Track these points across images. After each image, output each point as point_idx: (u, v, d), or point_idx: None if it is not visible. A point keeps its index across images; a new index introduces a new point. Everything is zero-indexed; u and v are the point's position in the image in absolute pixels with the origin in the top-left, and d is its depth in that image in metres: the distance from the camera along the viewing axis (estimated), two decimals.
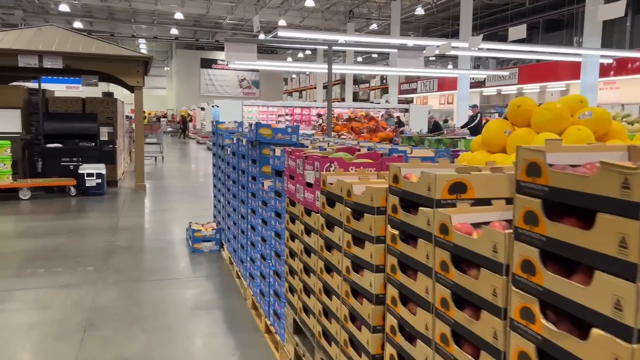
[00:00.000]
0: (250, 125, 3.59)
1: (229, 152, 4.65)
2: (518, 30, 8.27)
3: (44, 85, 10.43)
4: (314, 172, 2.21)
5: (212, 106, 22.87)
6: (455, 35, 25.88)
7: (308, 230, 2.31)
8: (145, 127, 16.45)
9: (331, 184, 2.03)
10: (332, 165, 2.16)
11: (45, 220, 6.71)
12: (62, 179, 8.60)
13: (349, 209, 1.79)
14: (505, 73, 20.68)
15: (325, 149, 3.08)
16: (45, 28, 9.58)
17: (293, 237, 2.56)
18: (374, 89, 34.59)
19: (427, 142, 4.51)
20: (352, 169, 2.17)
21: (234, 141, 4.31)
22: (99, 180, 8.64)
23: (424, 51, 4.99)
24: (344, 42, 9.61)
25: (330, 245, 2.02)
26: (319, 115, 20.76)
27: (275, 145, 3.37)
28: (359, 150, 2.66)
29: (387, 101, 24.55)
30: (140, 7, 24.74)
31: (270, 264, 3.10)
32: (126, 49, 9.47)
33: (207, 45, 36.21)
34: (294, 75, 43.53)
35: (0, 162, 7.90)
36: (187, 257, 5.09)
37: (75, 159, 8.87)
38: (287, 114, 21.55)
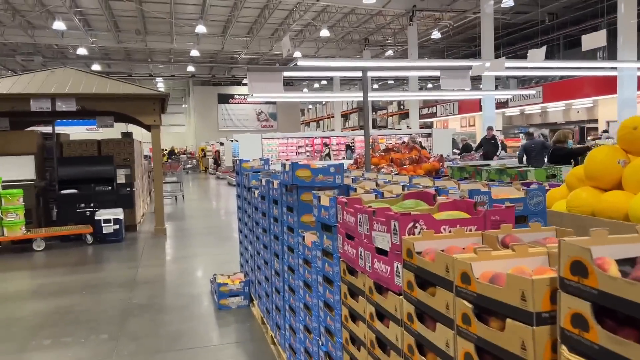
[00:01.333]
0: (284, 165, 3.00)
1: (256, 196, 4.06)
2: (593, 39, 7.51)
3: (63, 129, 10.12)
4: (389, 234, 1.58)
5: (232, 141, 22.56)
6: (473, 56, 25.37)
7: (381, 315, 1.67)
8: (165, 165, 16.11)
9: (419, 252, 1.40)
10: (418, 224, 1.53)
11: (58, 275, 6.17)
12: (78, 227, 8.12)
13: (468, 304, 1.15)
14: (532, 92, 20.01)
15: (382, 193, 2.46)
16: (58, 70, 9.28)
17: (354, 317, 1.92)
18: (392, 115, 34.17)
19: (486, 173, 3.85)
20: (445, 228, 1.54)
21: (263, 183, 3.72)
22: (117, 226, 8.13)
23: (470, 70, 4.41)
24: (379, 66, 9.09)
25: (424, 346, 1.38)
26: (326, 145, 20.24)
27: (317, 190, 2.77)
28: (434, 195, 2.03)
29: (408, 126, 23.96)
30: (156, 47, 24.87)
31: (320, 342, 2.45)
32: (141, 87, 9.10)
33: (224, 81, 36.39)
34: (310, 106, 43.48)
35: (12, 212, 7.46)
36: (214, 316, 4.46)
37: (91, 205, 8.40)
38: (307, 145, 21.09)
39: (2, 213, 7.42)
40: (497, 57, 17.82)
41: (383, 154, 5.17)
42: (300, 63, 9.20)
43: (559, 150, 6.11)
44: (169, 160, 24.72)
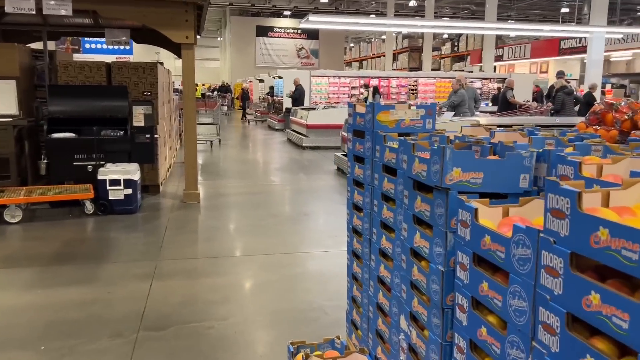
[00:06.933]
0: None
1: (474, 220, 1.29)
2: None
3: (91, 57, 7.41)
4: None
5: (274, 77, 19.57)
6: None
7: None
8: (199, 103, 13.40)
9: None
10: None
11: (16, 287, 3.63)
12: (73, 188, 5.58)
13: None
14: None
15: None
16: None
17: None
18: (445, 57, 30.69)
19: None
20: None
21: None
22: (129, 191, 5.55)
23: None
24: None
25: None
26: (366, 86, 16.98)
27: None
28: None
29: (481, 70, 20.46)
30: None
31: None
32: None
33: (264, 11, 32.84)
34: (352, 44, 40.24)
35: None
36: None
37: (94, 156, 5.79)
38: (362, 86, 17.97)
39: None
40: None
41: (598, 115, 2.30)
42: None
43: None
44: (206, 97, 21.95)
